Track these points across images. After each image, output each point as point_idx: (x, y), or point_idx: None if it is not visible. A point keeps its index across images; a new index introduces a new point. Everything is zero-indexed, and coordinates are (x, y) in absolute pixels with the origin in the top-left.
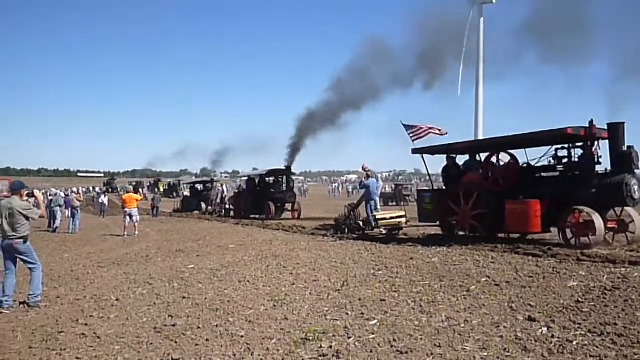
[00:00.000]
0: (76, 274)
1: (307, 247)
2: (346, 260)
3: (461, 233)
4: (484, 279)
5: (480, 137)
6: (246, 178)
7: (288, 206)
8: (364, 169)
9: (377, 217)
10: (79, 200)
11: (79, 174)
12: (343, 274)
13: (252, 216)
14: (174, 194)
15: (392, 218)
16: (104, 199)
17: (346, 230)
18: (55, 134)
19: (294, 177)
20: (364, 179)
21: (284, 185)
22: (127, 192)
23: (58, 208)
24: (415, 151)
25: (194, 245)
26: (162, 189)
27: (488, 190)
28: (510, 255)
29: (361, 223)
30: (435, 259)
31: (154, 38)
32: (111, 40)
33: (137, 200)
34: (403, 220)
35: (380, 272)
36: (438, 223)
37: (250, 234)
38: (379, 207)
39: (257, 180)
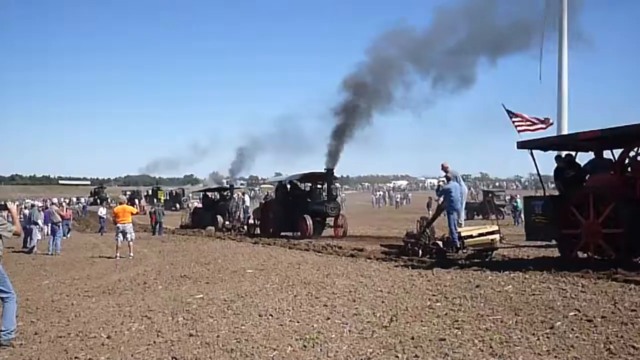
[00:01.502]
0: (58, 305)
1: (344, 272)
2: (395, 289)
3: (581, 255)
4: (572, 313)
5: (565, 131)
6: (275, 184)
7: (330, 221)
8: (444, 168)
9: (462, 234)
10: (61, 214)
11: (61, 182)
12: (391, 306)
13: (283, 234)
14: (177, 206)
15: (482, 235)
16: (102, 212)
17: (419, 253)
18: (31, 134)
19: (336, 184)
20: (441, 183)
21: (324, 193)
22: (120, 204)
23: (34, 225)
24: (521, 145)
25: (202, 269)
26: (162, 199)
27: (629, 199)
28: (606, 282)
29: (440, 243)
30: (508, 287)
31: (149, 32)
32: (95, 31)
33: (132, 213)
34: (497, 237)
35: (438, 304)
36: (553, 241)
37: (272, 256)
38: (462, 220)
39: (289, 187)
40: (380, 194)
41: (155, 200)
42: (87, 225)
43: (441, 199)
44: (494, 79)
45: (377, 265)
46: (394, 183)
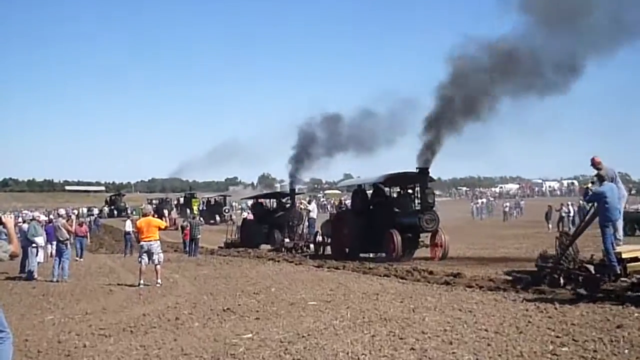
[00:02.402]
0: (65, 348)
1: (437, 305)
2: (504, 328)
3: None
4: None
5: None
6: (348, 189)
7: (424, 237)
8: (595, 164)
9: (623, 254)
10: (70, 230)
11: (68, 187)
12: (500, 351)
13: (363, 255)
14: (217, 218)
15: None
16: (128, 227)
17: (560, 282)
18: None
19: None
20: (590, 185)
21: (417, 200)
22: (144, 215)
23: (37, 242)
24: None
25: (251, 301)
26: (196, 209)
27: None
28: None
29: (592, 268)
30: None
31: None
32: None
33: (159, 227)
34: None
35: (564, 349)
36: None
37: (342, 283)
38: (621, 235)
39: (369, 193)
40: (482, 202)
41: (188, 210)
42: (101, 243)
43: (588, 205)
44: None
45: (479, 296)
46: (500, 187)
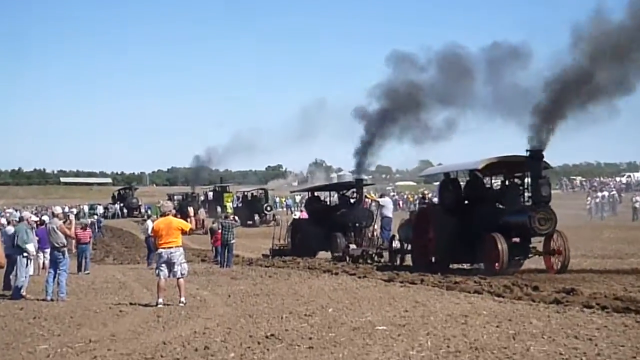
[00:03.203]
0: None
1: (544, 331)
2: None
3: None
4: None
5: None
6: (433, 179)
7: (536, 242)
8: None
9: None
10: (68, 234)
11: (64, 180)
12: None
13: (455, 265)
14: (256, 217)
15: None
16: (148, 228)
17: None
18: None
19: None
20: None
21: (526, 193)
22: (163, 215)
23: (28, 249)
24: None
25: (302, 325)
26: (229, 206)
27: None
28: None
29: None
30: None
31: None
32: None
33: (183, 230)
34: None
35: None
36: None
37: (420, 302)
38: None
39: (462, 184)
40: (603, 196)
41: (219, 208)
42: (108, 250)
43: None
44: None
45: (602, 320)
46: (628, 176)
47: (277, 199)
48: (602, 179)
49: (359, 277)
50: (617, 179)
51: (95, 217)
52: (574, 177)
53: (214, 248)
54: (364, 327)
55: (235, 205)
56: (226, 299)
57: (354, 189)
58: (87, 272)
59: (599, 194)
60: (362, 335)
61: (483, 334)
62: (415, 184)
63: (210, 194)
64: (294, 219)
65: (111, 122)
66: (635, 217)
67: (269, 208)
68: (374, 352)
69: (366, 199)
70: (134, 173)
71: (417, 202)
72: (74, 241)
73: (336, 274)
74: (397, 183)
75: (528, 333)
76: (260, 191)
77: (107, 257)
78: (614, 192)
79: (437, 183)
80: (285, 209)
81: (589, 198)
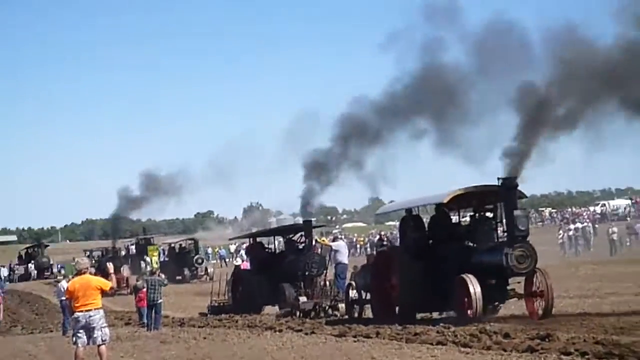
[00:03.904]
0: None
1: None
2: None
3: None
4: None
5: None
6: (395, 217)
7: (514, 283)
8: None
9: None
10: None
11: None
12: None
13: (422, 314)
14: (186, 271)
15: None
16: (62, 285)
17: None
18: None
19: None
20: None
21: (502, 228)
22: (79, 273)
23: None
24: None
25: None
26: (155, 260)
27: None
28: None
29: None
30: None
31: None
32: None
33: (101, 290)
34: None
35: None
36: None
37: (375, 358)
38: None
39: (426, 220)
40: (576, 228)
41: (143, 263)
42: (15, 319)
43: None
44: None
45: None
46: (603, 205)
47: (210, 250)
48: (574, 209)
49: (306, 334)
50: (591, 208)
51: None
52: (543, 209)
53: (138, 309)
54: None
55: (161, 259)
56: None
57: (302, 233)
58: None
59: (572, 226)
60: None
61: None
62: (365, 225)
63: (133, 248)
64: (235, 268)
65: (13, 169)
66: (614, 251)
67: (200, 260)
68: None
69: (316, 244)
70: (42, 228)
71: (375, 244)
72: None
73: (280, 331)
74: (345, 225)
75: None
76: (189, 242)
77: (14, 327)
78: (587, 224)
79: (390, 223)
80: (218, 260)
81: (560, 231)
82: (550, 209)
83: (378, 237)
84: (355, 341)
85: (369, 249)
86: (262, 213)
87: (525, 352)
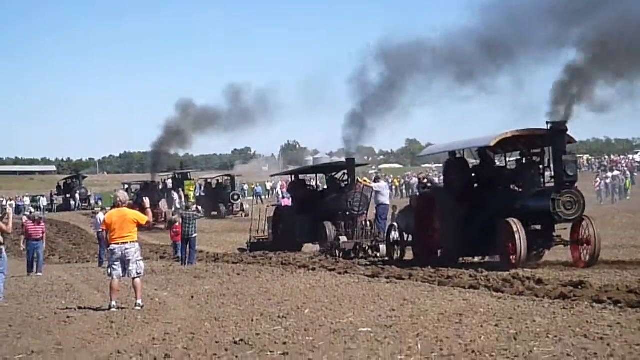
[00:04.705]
0: None
1: (549, 330)
2: None
3: None
4: None
5: None
6: (436, 157)
7: (561, 229)
8: None
9: None
10: (4, 229)
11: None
12: None
13: (465, 259)
14: (223, 208)
15: None
16: (99, 217)
17: None
18: None
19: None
20: None
21: (547, 173)
22: (115, 205)
23: None
24: None
25: (275, 329)
26: (192, 195)
27: None
28: None
29: None
30: None
31: None
32: None
33: (138, 223)
34: None
35: None
36: None
37: (408, 300)
38: None
39: (472, 163)
40: (614, 176)
41: (178, 198)
42: (53, 248)
43: None
44: None
45: (614, 316)
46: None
47: (246, 186)
48: (612, 157)
49: (339, 273)
50: (630, 156)
51: (40, 210)
52: (580, 156)
53: (174, 243)
54: (345, 329)
55: (198, 194)
56: (189, 300)
57: (345, 171)
58: (39, 273)
59: (610, 174)
60: (343, 339)
61: (480, 335)
62: (401, 166)
63: (170, 182)
64: (276, 207)
65: (54, 101)
66: None
67: (236, 197)
68: (357, 358)
69: (358, 183)
70: (81, 160)
71: (412, 185)
72: (22, 237)
73: (313, 269)
74: (381, 166)
75: (531, 333)
76: (225, 178)
77: (52, 256)
78: (626, 171)
79: (427, 165)
80: (254, 197)
81: (597, 179)
82: (588, 156)
83: (417, 179)
84: (387, 282)
85: (404, 191)
86: (299, 151)
87: (558, 298)
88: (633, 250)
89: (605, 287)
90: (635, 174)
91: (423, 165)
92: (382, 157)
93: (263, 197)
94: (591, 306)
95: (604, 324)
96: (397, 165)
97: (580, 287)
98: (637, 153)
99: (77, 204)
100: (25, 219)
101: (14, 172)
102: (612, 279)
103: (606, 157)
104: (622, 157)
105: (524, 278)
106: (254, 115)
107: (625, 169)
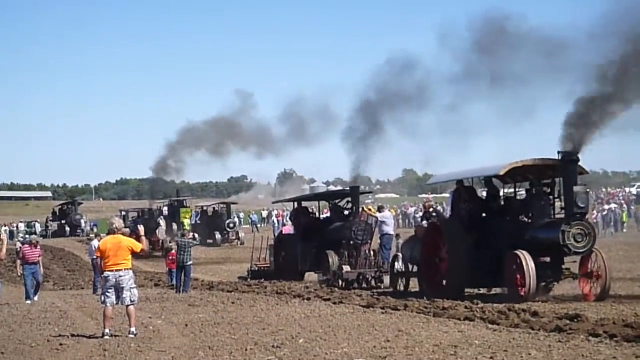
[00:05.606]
0: None
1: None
2: None
3: None
4: None
5: None
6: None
7: (569, 262)
8: None
9: None
10: None
11: None
12: None
13: (471, 290)
14: (217, 235)
15: None
16: (94, 244)
17: None
18: None
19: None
20: None
21: (559, 203)
22: (110, 232)
23: None
24: None
25: (269, 357)
26: (187, 222)
27: None
28: None
29: None
30: None
31: None
32: None
33: (132, 250)
34: None
35: None
36: None
37: (403, 331)
38: None
39: (480, 192)
40: (610, 209)
41: (174, 225)
42: (47, 274)
43: None
44: None
45: (610, 350)
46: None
47: (242, 214)
48: (609, 189)
49: (334, 303)
50: (627, 189)
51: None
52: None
53: (168, 271)
54: (339, 359)
55: (193, 222)
56: (183, 328)
57: (349, 199)
58: (35, 298)
59: (606, 206)
60: None
61: None
62: (397, 196)
63: (165, 209)
64: (278, 233)
65: (51, 127)
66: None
67: (232, 225)
68: None
69: (362, 212)
70: (77, 185)
71: (421, 215)
72: (19, 262)
73: (308, 299)
74: (377, 195)
75: None
76: (221, 205)
77: (46, 282)
78: (623, 204)
79: (423, 196)
80: (250, 225)
81: (594, 211)
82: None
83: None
84: (382, 312)
85: (400, 221)
86: (295, 180)
87: (553, 331)
88: (629, 284)
89: (601, 320)
90: (632, 207)
91: (419, 195)
92: (378, 186)
93: (259, 225)
94: (587, 340)
95: (599, 357)
96: (393, 195)
97: (576, 320)
98: (633, 186)
99: (69, 230)
100: (19, 244)
101: (9, 198)
102: (608, 312)
103: (603, 189)
104: (618, 189)
105: (520, 310)
106: (249, 146)
107: (622, 201)
